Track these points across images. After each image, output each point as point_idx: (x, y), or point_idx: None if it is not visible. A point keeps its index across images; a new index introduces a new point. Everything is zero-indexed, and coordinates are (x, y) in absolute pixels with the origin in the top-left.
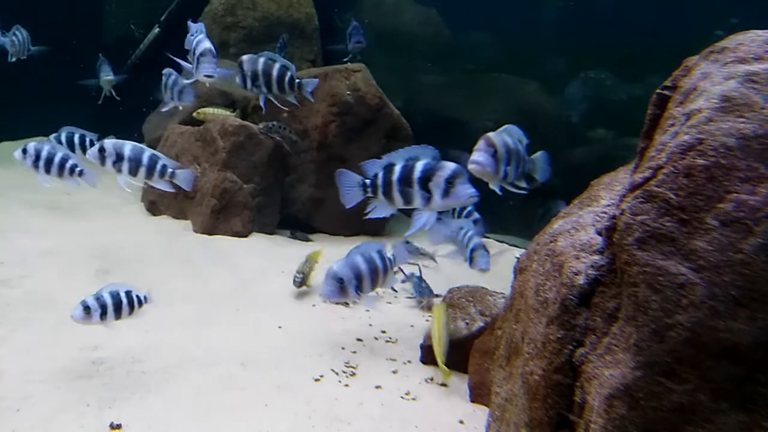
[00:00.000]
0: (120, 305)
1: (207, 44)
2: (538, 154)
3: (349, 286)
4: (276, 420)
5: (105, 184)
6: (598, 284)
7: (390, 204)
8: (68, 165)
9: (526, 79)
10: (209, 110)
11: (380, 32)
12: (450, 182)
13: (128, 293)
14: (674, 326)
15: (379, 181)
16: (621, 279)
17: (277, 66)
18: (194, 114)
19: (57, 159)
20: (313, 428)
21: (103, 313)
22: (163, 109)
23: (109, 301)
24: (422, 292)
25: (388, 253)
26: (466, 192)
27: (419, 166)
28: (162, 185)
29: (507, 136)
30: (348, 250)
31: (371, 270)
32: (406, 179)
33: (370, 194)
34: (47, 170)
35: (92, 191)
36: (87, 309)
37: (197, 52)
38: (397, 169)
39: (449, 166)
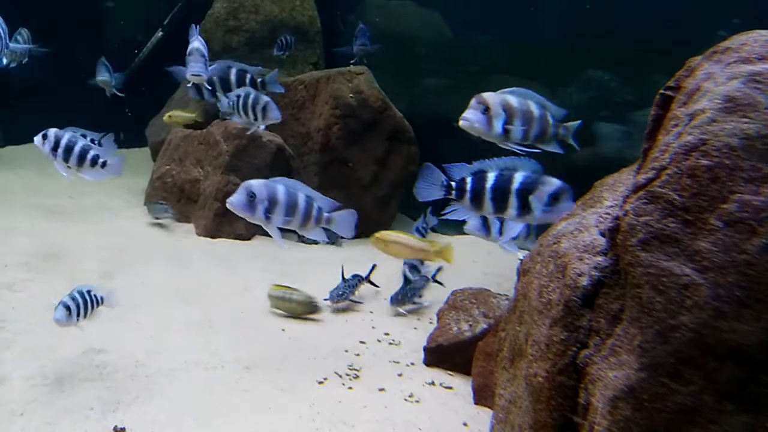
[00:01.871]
0: (87, 305)
1: (195, 43)
2: (575, 122)
3: (259, 204)
4: (280, 423)
5: (108, 188)
6: (602, 285)
7: (475, 210)
8: (89, 156)
9: (529, 80)
10: (177, 113)
11: (383, 35)
12: (555, 198)
13: (89, 292)
14: (678, 327)
15: (468, 185)
16: (625, 280)
17: (233, 71)
18: (164, 118)
19: (77, 148)
20: (317, 431)
21: (78, 314)
22: (249, 132)
23: (80, 301)
24: (397, 296)
25: (320, 204)
26: (570, 209)
27: (519, 177)
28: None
29: (511, 95)
30: (351, 252)
31: (288, 202)
32: (501, 188)
33: (452, 196)
34: (66, 159)
35: (96, 195)
36: (68, 309)
37: (186, 52)
38: (491, 176)
39: (554, 182)
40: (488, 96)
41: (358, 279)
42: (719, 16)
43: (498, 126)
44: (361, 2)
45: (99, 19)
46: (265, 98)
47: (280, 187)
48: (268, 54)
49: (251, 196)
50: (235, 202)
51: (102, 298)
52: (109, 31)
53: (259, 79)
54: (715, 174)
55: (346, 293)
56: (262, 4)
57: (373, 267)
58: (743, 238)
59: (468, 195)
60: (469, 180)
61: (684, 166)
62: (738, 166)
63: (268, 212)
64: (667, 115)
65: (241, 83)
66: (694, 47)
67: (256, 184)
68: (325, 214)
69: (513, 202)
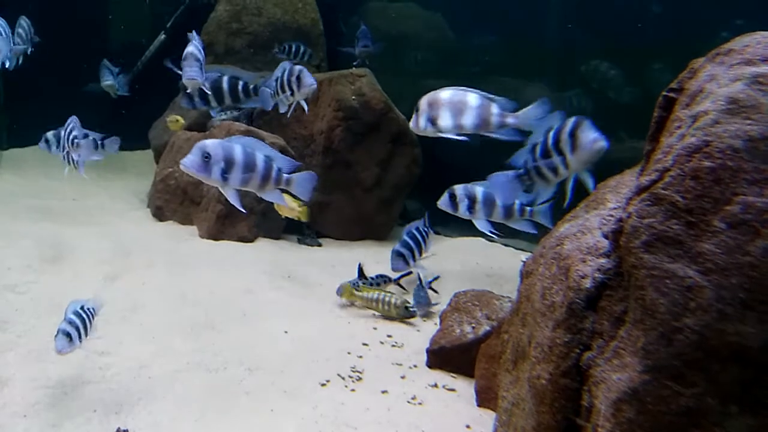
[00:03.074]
0: (85, 323)
1: (190, 48)
2: (532, 105)
3: (214, 165)
4: (282, 425)
5: (111, 190)
6: (605, 288)
7: (546, 183)
8: (71, 135)
9: (530, 81)
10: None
11: (385, 37)
12: (573, 135)
13: (83, 308)
14: (682, 329)
15: (530, 164)
16: (628, 282)
17: (225, 79)
18: (170, 123)
19: (67, 130)
20: None
21: (79, 336)
22: (288, 113)
23: (79, 322)
24: (420, 301)
25: (279, 165)
26: (589, 138)
27: (551, 134)
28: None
29: (443, 91)
30: (355, 254)
31: (246, 163)
32: (546, 153)
33: (527, 182)
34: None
35: (99, 197)
36: (69, 336)
37: (182, 57)
38: (539, 147)
39: (571, 120)
40: (423, 98)
41: (383, 279)
42: (722, 18)
43: (423, 122)
44: (363, 4)
45: (103, 21)
46: (297, 67)
47: (237, 146)
48: (272, 57)
49: (206, 156)
50: (188, 163)
51: (94, 310)
52: (112, 33)
53: (252, 86)
54: (719, 176)
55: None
56: (265, 6)
57: (408, 273)
58: (747, 240)
59: (533, 173)
60: (529, 160)
61: (687, 167)
62: (741, 168)
63: (225, 173)
64: (670, 116)
65: (233, 91)
66: (697, 48)
67: (211, 144)
68: (285, 176)
69: (556, 158)
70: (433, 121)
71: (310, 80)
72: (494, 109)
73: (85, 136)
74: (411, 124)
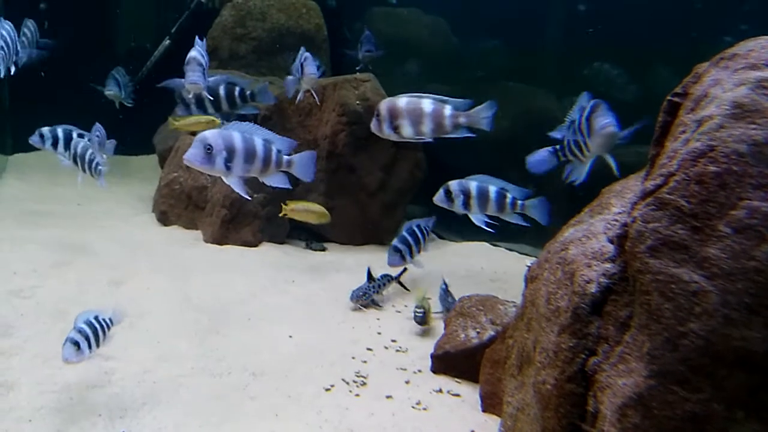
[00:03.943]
0: (96, 333)
1: (192, 53)
2: (482, 105)
3: (217, 155)
4: (287, 430)
5: (116, 195)
6: (610, 292)
7: (579, 162)
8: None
9: (535, 87)
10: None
11: (389, 42)
12: (589, 120)
13: (96, 318)
14: (687, 334)
15: (566, 141)
16: (633, 287)
17: (222, 85)
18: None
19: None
20: None
21: (89, 346)
22: (297, 99)
23: (89, 331)
24: (449, 307)
25: (277, 148)
26: (602, 123)
27: (578, 118)
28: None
29: (401, 98)
30: (359, 259)
31: (246, 149)
32: (575, 133)
33: (563, 158)
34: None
35: (104, 202)
36: (77, 345)
37: (184, 62)
38: (573, 127)
39: (590, 104)
40: (380, 104)
41: (387, 279)
42: (726, 22)
43: (386, 128)
44: (367, 9)
45: (108, 26)
46: (307, 54)
47: (236, 134)
48: (275, 62)
49: (208, 148)
50: (191, 156)
51: (111, 320)
52: (118, 38)
53: (248, 92)
54: (724, 180)
55: (369, 294)
56: (270, 12)
57: (404, 270)
58: (752, 245)
59: (567, 150)
60: (560, 135)
61: (692, 172)
62: (746, 173)
63: (228, 162)
64: (674, 121)
65: (230, 97)
66: (701, 53)
67: (210, 135)
68: (285, 158)
69: (580, 139)
70: (395, 128)
71: (310, 69)
72: (447, 111)
73: (80, 136)
74: (373, 127)
